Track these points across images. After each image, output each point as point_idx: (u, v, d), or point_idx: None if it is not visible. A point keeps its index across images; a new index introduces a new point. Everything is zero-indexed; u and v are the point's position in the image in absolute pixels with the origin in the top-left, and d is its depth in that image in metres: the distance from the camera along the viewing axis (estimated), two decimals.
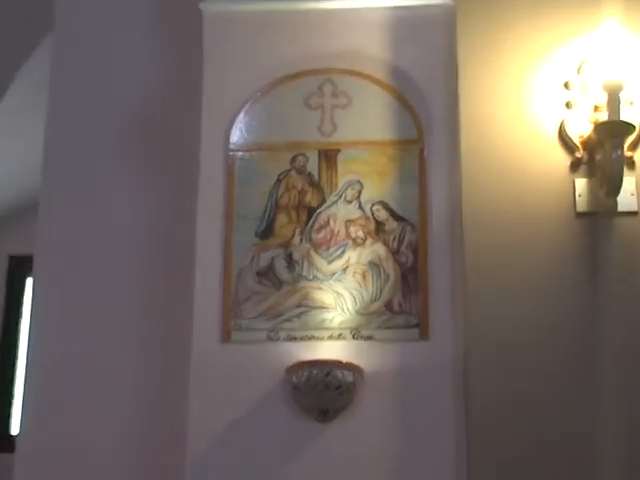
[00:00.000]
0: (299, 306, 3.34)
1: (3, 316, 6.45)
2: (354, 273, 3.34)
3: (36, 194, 3.97)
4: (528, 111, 3.34)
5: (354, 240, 3.37)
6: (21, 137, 5.53)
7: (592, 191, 3.19)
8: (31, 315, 3.76)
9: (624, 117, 3.07)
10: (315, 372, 3.15)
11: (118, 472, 3.51)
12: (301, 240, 3.40)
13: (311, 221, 3.41)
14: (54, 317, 3.67)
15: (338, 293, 3.32)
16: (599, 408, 3.05)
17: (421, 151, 3.44)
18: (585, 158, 3.22)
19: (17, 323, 6.42)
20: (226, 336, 3.32)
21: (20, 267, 6.43)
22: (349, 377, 3.16)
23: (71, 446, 3.53)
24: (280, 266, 3.38)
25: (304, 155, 3.47)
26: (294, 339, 3.29)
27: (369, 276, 3.34)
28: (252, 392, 3.24)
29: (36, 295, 3.75)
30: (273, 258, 3.39)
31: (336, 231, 3.39)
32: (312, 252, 3.37)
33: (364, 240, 3.37)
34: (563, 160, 3.26)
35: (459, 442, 3.14)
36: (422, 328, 3.25)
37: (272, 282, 3.36)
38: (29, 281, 6.11)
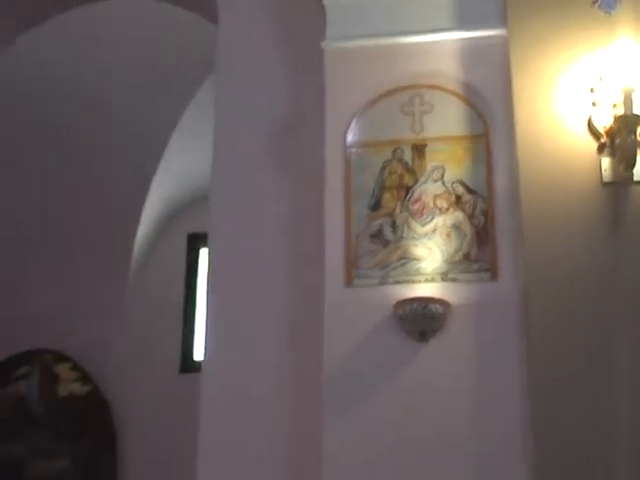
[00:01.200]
0: (401, 259, 3.43)
1: (185, 276, 6.84)
2: (441, 233, 3.44)
3: (207, 185, 4.11)
4: (564, 110, 3.46)
5: (440, 209, 3.47)
6: (196, 145, 5.80)
7: (614, 167, 3.32)
8: (208, 275, 3.88)
9: (636, 111, 3.27)
10: (415, 306, 3.29)
11: (277, 388, 3.60)
12: (401, 211, 3.49)
13: (408, 196, 3.50)
14: (223, 275, 3.81)
15: (430, 248, 3.43)
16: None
17: (487, 142, 3.51)
18: (608, 142, 3.34)
19: (195, 282, 6.86)
20: (349, 282, 3.44)
21: (196, 242, 6.77)
22: (440, 309, 3.29)
23: (240, 368, 3.66)
24: (387, 230, 3.49)
25: (401, 148, 3.55)
26: (399, 282, 3.40)
27: (452, 235, 3.44)
28: (369, 322, 3.37)
29: (210, 260, 3.90)
30: (381, 224, 3.49)
31: (427, 203, 3.49)
32: (409, 219, 3.48)
33: (447, 209, 3.47)
34: (592, 145, 3.39)
35: (522, 358, 3.22)
36: (492, 272, 3.36)
37: (381, 242, 3.47)
38: (202, 251, 6.66)
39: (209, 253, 3.94)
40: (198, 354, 6.68)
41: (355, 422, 3.29)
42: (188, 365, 6.72)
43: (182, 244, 6.91)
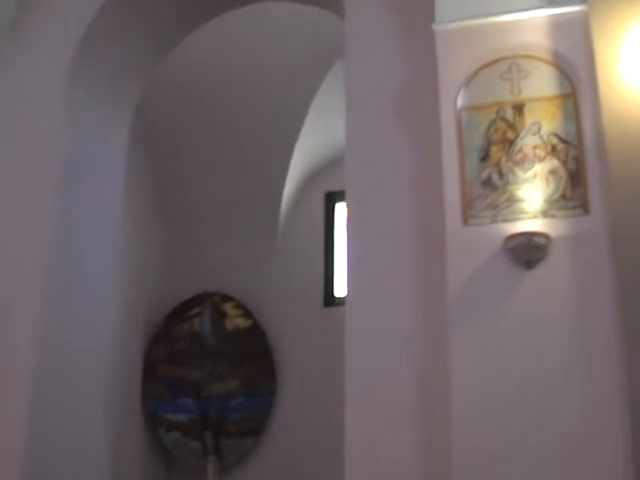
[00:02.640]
0: (508, 200, 3.58)
1: (324, 227, 7.17)
2: (540, 178, 3.58)
3: (341, 150, 4.34)
4: (638, 70, 3.56)
5: (538, 158, 3.60)
6: (331, 116, 6.16)
7: None
8: (347, 225, 4.08)
9: None
10: (522, 239, 3.46)
11: (408, 313, 3.76)
12: (506, 160, 3.63)
13: (511, 148, 3.64)
14: (359, 224, 4.01)
15: (531, 190, 3.58)
16: None
17: (575, 100, 3.65)
18: None
19: (332, 231, 7.19)
20: (465, 221, 3.63)
21: (332, 198, 7.12)
22: (542, 241, 3.47)
23: (377, 300, 3.83)
24: (495, 177, 3.63)
25: (503, 109, 3.70)
26: (506, 220, 3.56)
27: (549, 179, 3.57)
28: (484, 253, 3.54)
29: (348, 213, 4.11)
30: (490, 173, 3.64)
31: (527, 153, 3.61)
32: (513, 167, 3.62)
33: (544, 157, 3.59)
34: None
35: (612, 278, 3.34)
36: (585, 208, 3.52)
37: (490, 187, 3.62)
38: (337, 205, 7.02)
39: (347, 206, 4.13)
40: (338, 291, 7.12)
41: (475, 336, 3.48)
42: (330, 300, 7.12)
43: (320, 201, 7.25)
